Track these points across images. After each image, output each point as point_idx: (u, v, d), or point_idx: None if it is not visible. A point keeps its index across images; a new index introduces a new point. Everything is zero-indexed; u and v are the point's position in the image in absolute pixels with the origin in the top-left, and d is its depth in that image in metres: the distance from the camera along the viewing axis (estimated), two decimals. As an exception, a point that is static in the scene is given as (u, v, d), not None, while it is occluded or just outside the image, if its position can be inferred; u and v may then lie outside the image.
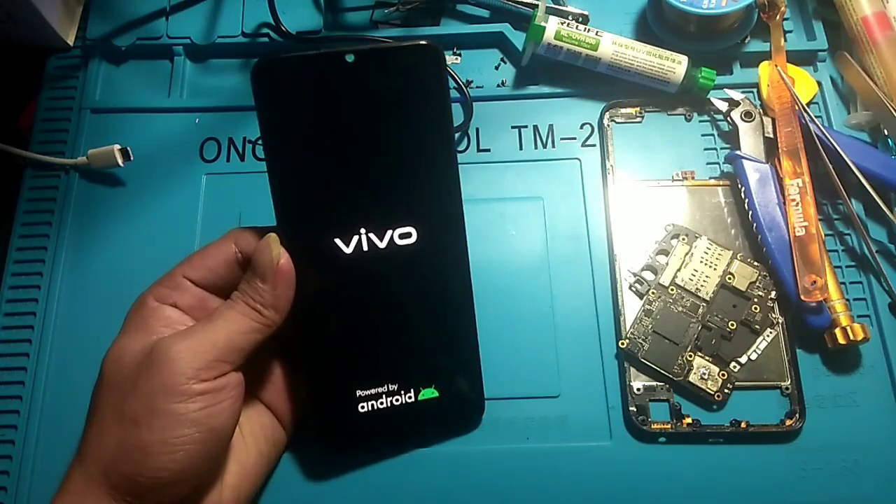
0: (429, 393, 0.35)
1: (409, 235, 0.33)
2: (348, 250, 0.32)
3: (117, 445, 0.28)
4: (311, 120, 0.30)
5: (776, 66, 0.45)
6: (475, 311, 0.36)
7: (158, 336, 0.30)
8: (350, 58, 0.30)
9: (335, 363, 0.34)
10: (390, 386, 0.35)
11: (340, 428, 0.35)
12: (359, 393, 0.34)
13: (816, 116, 0.44)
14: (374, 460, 0.37)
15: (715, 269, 0.40)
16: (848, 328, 0.38)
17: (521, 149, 0.45)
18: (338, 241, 0.32)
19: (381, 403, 0.35)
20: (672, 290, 0.40)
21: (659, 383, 0.39)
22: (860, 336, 0.38)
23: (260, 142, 0.44)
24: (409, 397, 0.35)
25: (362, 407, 0.34)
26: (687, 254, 0.41)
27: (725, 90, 0.44)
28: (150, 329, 0.31)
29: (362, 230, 0.32)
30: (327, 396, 0.34)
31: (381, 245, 0.32)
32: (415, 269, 0.33)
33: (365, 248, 0.32)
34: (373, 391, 0.35)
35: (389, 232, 0.32)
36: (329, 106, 0.30)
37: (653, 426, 0.37)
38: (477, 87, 0.47)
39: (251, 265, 0.31)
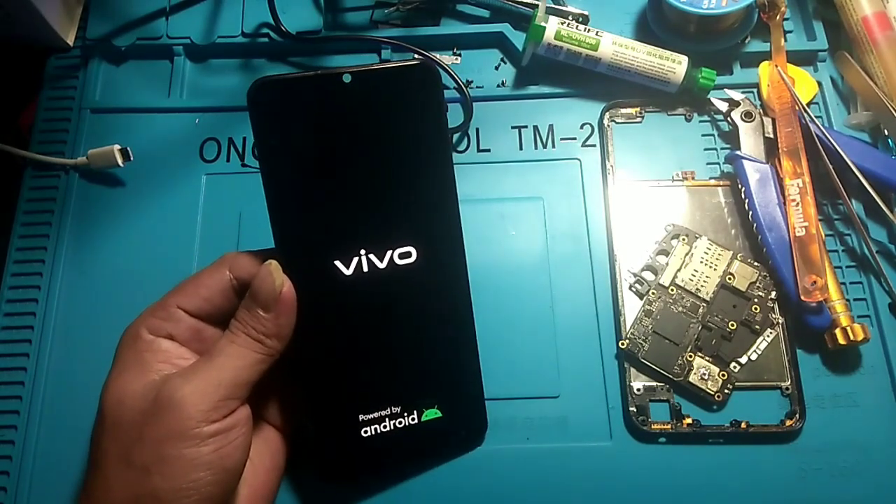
0: (432, 414, 0.35)
1: (408, 255, 0.33)
2: (348, 272, 0.32)
3: (127, 493, 0.27)
4: (309, 140, 0.30)
5: (776, 66, 0.45)
6: (475, 326, 0.36)
7: (157, 373, 0.29)
8: (347, 78, 0.30)
9: (337, 388, 0.33)
10: (393, 408, 0.34)
11: (344, 455, 0.34)
12: (361, 417, 0.34)
13: (816, 116, 0.44)
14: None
15: (715, 269, 0.40)
16: (848, 328, 0.38)
17: (521, 149, 0.45)
18: (338, 262, 0.32)
19: (385, 427, 0.34)
20: (672, 290, 0.40)
21: (659, 383, 0.39)
22: (860, 336, 0.38)
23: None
24: (413, 419, 0.35)
25: (365, 431, 0.34)
26: (687, 254, 0.41)
27: (725, 90, 0.44)
28: (147, 366, 0.30)
29: (362, 251, 0.32)
30: (329, 423, 0.34)
31: (382, 266, 0.32)
32: (415, 288, 0.33)
33: (365, 269, 0.32)
34: (376, 415, 0.34)
35: (389, 252, 0.32)
36: (326, 126, 0.30)
37: (653, 426, 0.37)
38: (477, 87, 0.47)
39: (251, 293, 0.30)
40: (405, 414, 0.35)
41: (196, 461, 0.27)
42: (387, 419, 0.34)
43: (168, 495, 0.27)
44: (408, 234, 0.32)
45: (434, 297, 0.34)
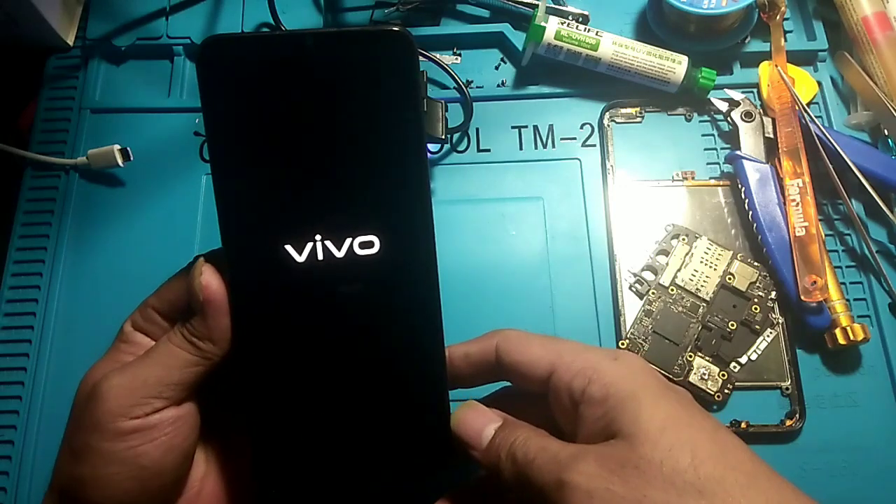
0: (384, 431, 0.30)
1: (370, 245, 0.28)
2: (301, 258, 0.28)
3: (65, 474, 0.28)
4: (264, 107, 0.27)
5: (776, 66, 0.45)
6: (444, 334, 0.30)
7: (120, 363, 0.29)
8: (309, 40, 0.26)
9: (276, 388, 0.29)
10: (336, 417, 0.30)
11: (278, 460, 0.30)
12: (299, 421, 0.30)
13: (816, 116, 0.44)
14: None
15: (715, 269, 0.40)
16: (848, 328, 0.38)
17: (521, 149, 0.45)
18: (289, 247, 0.28)
19: (324, 438, 0.30)
20: (672, 290, 0.40)
21: (659, 383, 0.39)
22: (860, 336, 0.38)
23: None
24: (364, 432, 0.30)
25: (303, 438, 0.30)
26: (687, 254, 0.41)
27: (725, 90, 0.44)
28: (116, 357, 0.30)
29: (318, 236, 0.28)
30: (264, 421, 0.30)
31: (339, 255, 0.28)
32: (376, 284, 0.29)
33: (320, 256, 0.28)
34: (316, 420, 0.30)
35: (349, 240, 0.28)
36: (284, 93, 0.27)
37: (653, 426, 0.37)
38: (477, 87, 0.47)
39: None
40: (354, 425, 0.30)
41: (111, 456, 0.27)
42: (327, 427, 0.30)
43: (89, 483, 0.27)
44: (370, 221, 0.28)
45: (396, 296, 0.30)
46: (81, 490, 0.27)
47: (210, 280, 0.28)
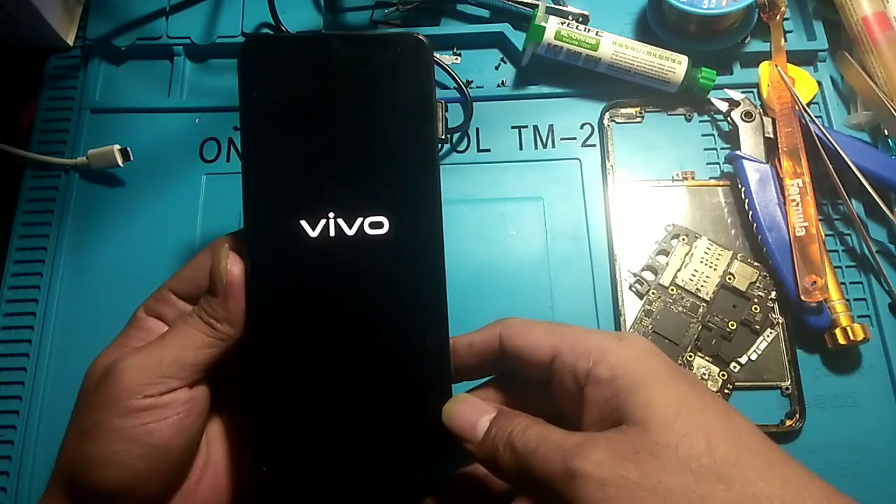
0: (384, 417, 0.31)
1: (380, 225, 0.31)
2: (314, 234, 0.30)
3: (71, 456, 0.28)
4: (292, 97, 0.30)
5: (776, 66, 0.45)
6: (448, 322, 0.31)
7: (131, 347, 0.30)
8: (337, 42, 0.30)
9: (278, 366, 0.30)
10: (337, 397, 0.30)
11: (278, 438, 0.30)
12: (299, 400, 0.30)
13: (816, 116, 0.44)
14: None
15: (715, 269, 0.40)
16: (848, 328, 0.38)
17: (521, 149, 0.45)
18: (304, 222, 0.30)
19: (324, 419, 0.30)
20: (672, 290, 0.40)
21: (659, 383, 0.39)
22: (860, 336, 0.38)
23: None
24: (363, 415, 0.30)
25: (302, 417, 0.30)
26: (687, 254, 0.41)
27: (725, 90, 0.44)
28: (127, 342, 0.30)
29: (331, 214, 0.30)
30: (264, 398, 0.30)
31: (350, 232, 0.30)
32: (383, 264, 0.31)
33: (332, 233, 0.30)
34: (316, 400, 0.30)
35: (360, 219, 0.31)
36: (310, 86, 0.31)
37: (653, 426, 0.37)
38: (477, 87, 0.47)
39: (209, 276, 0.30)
40: (356, 408, 0.30)
41: (122, 433, 0.27)
42: (332, 410, 0.30)
43: (95, 461, 0.27)
44: (381, 203, 0.31)
45: (403, 276, 0.31)
46: (89, 470, 0.27)
47: (233, 264, 0.29)
